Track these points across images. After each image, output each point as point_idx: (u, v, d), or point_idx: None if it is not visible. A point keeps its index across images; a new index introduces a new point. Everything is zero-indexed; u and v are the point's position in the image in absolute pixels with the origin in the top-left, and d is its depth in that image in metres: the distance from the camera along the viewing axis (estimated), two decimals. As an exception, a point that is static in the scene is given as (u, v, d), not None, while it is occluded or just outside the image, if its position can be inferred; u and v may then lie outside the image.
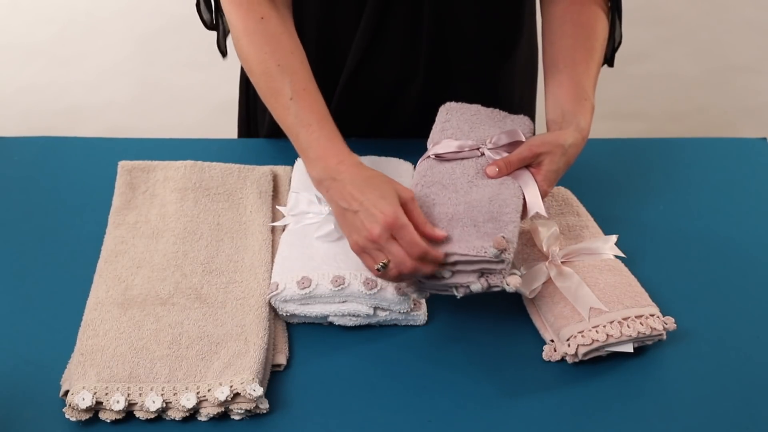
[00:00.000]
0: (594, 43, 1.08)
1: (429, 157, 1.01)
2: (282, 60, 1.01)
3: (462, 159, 1.00)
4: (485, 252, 0.87)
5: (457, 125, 1.04)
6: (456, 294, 0.91)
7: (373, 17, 1.14)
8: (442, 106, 1.09)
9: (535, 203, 0.96)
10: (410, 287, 0.93)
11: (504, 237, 0.88)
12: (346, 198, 0.92)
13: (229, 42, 1.23)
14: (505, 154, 0.99)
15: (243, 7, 1.04)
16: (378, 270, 0.90)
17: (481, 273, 0.90)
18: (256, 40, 1.03)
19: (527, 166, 0.99)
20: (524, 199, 0.96)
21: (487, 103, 1.10)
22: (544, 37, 1.12)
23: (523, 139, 1.01)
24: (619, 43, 1.19)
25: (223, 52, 1.25)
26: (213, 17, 1.20)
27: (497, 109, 1.08)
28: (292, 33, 1.05)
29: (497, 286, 0.90)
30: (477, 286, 0.90)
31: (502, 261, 0.88)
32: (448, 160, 1.00)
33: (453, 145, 1.01)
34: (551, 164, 0.98)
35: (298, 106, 0.99)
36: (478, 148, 1.00)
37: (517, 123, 1.06)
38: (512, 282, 0.89)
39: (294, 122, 0.98)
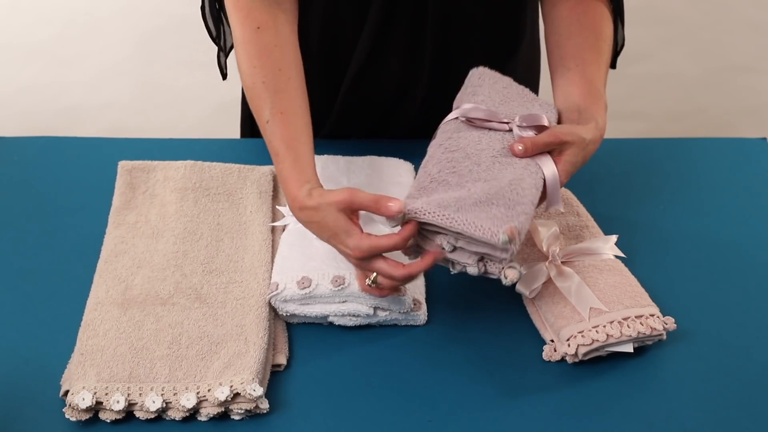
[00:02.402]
0: (602, 43, 1.08)
1: (457, 118, 0.99)
2: (267, 77, 1.00)
3: (489, 130, 0.98)
4: (494, 237, 0.85)
5: (489, 94, 1.02)
6: (451, 270, 0.91)
7: (378, 20, 1.13)
8: (474, 69, 1.07)
9: (555, 197, 0.95)
10: (408, 249, 0.91)
11: (516, 227, 0.85)
12: (314, 233, 0.95)
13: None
14: (532, 134, 0.97)
15: (243, 13, 1.03)
16: (370, 285, 0.92)
17: (482, 257, 0.89)
18: (249, 50, 1.02)
19: (550, 153, 0.97)
20: (543, 190, 0.94)
21: None
22: (548, 38, 1.12)
23: (548, 124, 0.99)
24: (622, 45, 1.19)
25: (224, 74, 1.24)
26: (215, 28, 1.19)
27: (527, 89, 1.06)
28: (286, 46, 1.03)
29: (493, 275, 0.89)
30: (474, 269, 0.88)
31: (507, 251, 0.86)
32: (477, 127, 0.98)
33: (483, 112, 0.99)
34: (571, 156, 0.97)
35: (272, 130, 0.98)
36: (507, 122, 0.98)
37: (544, 108, 1.03)
38: (510, 275, 0.88)
39: (270, 146, 0.99)
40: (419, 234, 0.90)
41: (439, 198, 0.89)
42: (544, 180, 0.94)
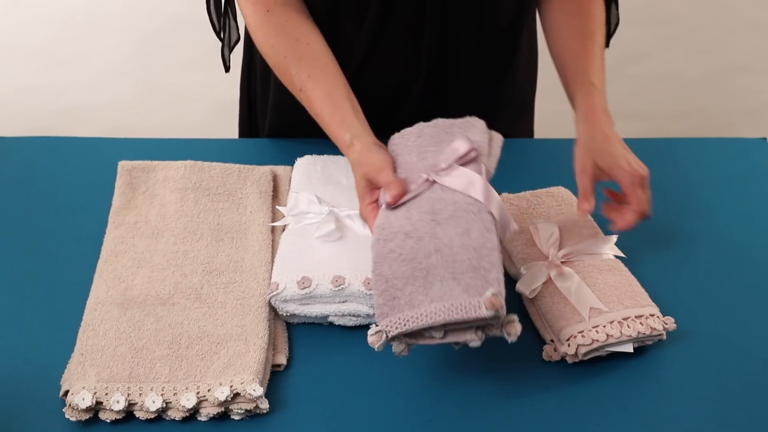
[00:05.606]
0: (595, 30, 1.13)
1: (381, 207, 0.93)
2: (287, 51, 1.04)
3: (414, 197, 0.91)
4: (479, 310, 0.80)
5: (407, 160, 0.96)
6: (455, 347, 0.86)
7: (376, 18, 1.14)
8: (389, 140, 1.01)
9: (507, 222, 0.90)
10: (399, 347, 0.86)
11: (495, 293, 0.80)
12: None
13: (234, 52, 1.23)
14: (462, 169, 0.91)
15: (251, 0, 1.07)
16: None
17: (476, 327, 0.83)
18: (264, 33, 1.07)
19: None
20: (495, 222, 0.88)
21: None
22: (544, 28, 1.14)
23: (467, 147, 0.92)
24: (616, 25, 1.21)
25: (227, 67, 1.25)
26: (218, 22, 1.20)
27: (440, 119, 0.99)
28: (298, 18, 1.07)
29: (497, 336, 0.84)
30: (476, 343, 0.83)
31: (497, 317, 0.82)
32: (402, 203, 0.91)
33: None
34: (622, 160, 1.02)
35: (305, 96, 1.03)
36: (426, 178, 0.92)
37: (465, 128, 0.97)
38: (513, 330, 0.83)
39: (310, 112, 1.03)
40: (405, 335, 0.84)
41: (407, 298, 0.84)
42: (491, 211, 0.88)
